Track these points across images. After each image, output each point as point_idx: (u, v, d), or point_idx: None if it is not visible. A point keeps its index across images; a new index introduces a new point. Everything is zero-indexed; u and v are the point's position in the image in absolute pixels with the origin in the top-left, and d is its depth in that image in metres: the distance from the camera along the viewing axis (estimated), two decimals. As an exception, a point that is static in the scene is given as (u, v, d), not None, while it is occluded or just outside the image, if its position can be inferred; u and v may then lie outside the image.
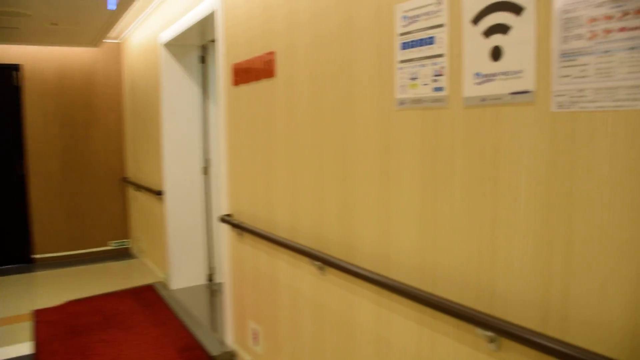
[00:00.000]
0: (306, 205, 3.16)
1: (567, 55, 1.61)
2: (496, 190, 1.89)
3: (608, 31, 1.49)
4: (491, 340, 1.87)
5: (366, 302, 2.64)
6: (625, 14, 1.44)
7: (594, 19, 1.52)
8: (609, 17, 1.48)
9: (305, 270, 3.22)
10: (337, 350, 2.94)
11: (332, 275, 2.93)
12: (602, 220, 1.55)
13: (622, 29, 1.45)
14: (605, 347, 1.56)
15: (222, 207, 4.47)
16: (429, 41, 2.15)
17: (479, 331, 1.90)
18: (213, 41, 5.87)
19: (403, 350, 2.39)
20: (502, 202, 1.88)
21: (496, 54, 1.84)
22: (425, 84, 2.19)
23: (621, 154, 1.49)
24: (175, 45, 5.97)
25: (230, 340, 4.48)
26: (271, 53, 3.48)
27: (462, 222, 2.05)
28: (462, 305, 1.98)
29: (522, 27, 1.73)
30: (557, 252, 1.70)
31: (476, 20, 1.91)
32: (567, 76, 1.62)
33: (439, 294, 2.16)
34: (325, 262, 2.81)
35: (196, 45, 6.18)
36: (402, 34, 2.31)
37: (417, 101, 2.24)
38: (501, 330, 1.78)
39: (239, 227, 3.91)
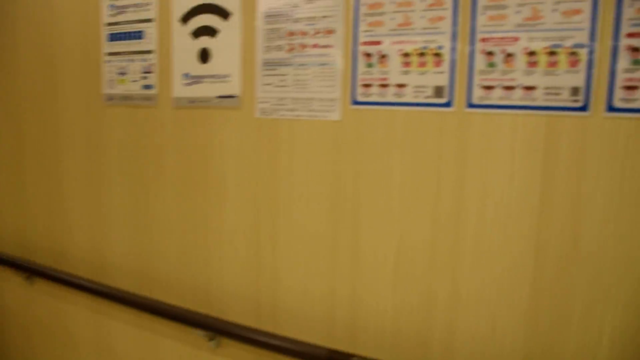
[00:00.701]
0: (8, 207, 2.60)
1: (269, 65, 1.68)
2: (207, 190, 1.86)
3: (304, 46, 1.61)
4: (210, 339, 1.84)
5: (83, 311, 2.32)
6: (318, 32, 1.58)
7: (292, 33, 1.62)
8: (304, 33, 1.61)
9: (10, 282, 2.65)
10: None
11: (43, 285, 2.48)
12: (300, 216, 1.66)
13: (315, 46, 1.59)
14: (308, 335, 1.67)
15: None
16: (138, 35, 2.00)
17: (198, 331, 1.85)
18: None
19: (127, 356, 2.18)
20: (212, 203, 1.85)
21: (204, 56, 1.82)
22: (135, 81, 2.03)
23: (316, 159, 1.62)
24: None
25: None
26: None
27: (176, 224, 1.96)
28: (177, 307, 1.91)
29: (229, 32, 1.75)
30: (265, 250, 1.76)
31: (185, 19, 1.85)
32: (269, 84, 1.69)
33: (157, 297, 2.03)
34: (33, 272, 2.38)
35: None
36: (109, 24, 2.10)
37: (126, 98, 2.06)
38: (217, 329, 1.78)
39: None
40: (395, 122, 1.49)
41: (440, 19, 1.42)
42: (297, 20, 1.61)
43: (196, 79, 1.84)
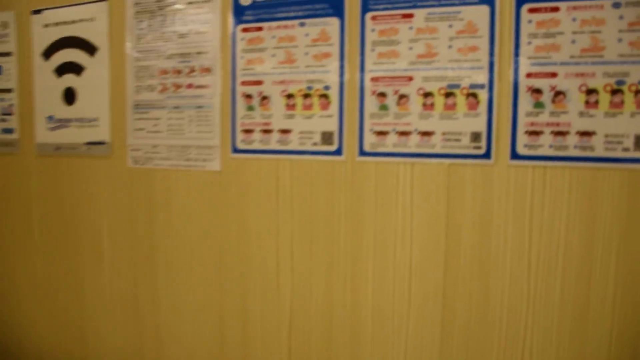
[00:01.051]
0: None
1: (140, 107, 1.45)
2: (80, 250, 1.58)
3: (178, 86, 1.38)
4: None
5: None
6: (192, 70, 1.36)
7: (164, 71, 1.40)
8: (177, 72, 1.38)
9: None
10: None
11: None
12: (183, 279, 1.41)
13: (190, 86, 1.37)
14: None
15: None
16: (-3, 72, 1.72)
17: None
18: None
19: None
20: (86, 264, 1.58)
21: (70, 96, 1.56)
22: (-6, 124, 1.73)
23: (197, 214, 1.38)
24: None
25: None
26: None
27: (46, 288, 1.67)
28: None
29: (96, 70, 1.50)
30: (147, 319, 1.48)
31: (47, 54, 1.59)
32: (142, 129, 1.45)
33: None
34: None
35: None
36: (-34, 59, 1.79)
37: (-15, 144, 1.75)
38: None
39: None
40: (281, 173, 1.29)
41: (326, 55, 1.23)
42: (169, 57, 1.38)
43: (62, 123, 1.57)
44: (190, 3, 1.35)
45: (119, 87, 1.47)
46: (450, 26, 1.13)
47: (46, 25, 1.57)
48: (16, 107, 1.67)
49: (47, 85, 1.59)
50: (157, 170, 1.44)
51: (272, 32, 1.28)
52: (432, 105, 1.16)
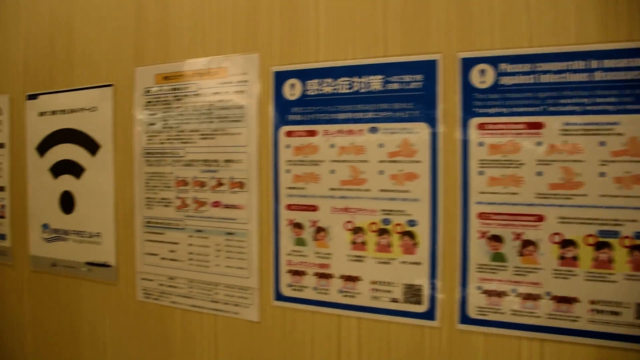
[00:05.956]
0: None
1: (153, 226, 1.10)
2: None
3: (201, 202, 1.03)
4: None
5: None
6: (220, 183, 1.00)
7: (184, 182, 1.04)
8: (201, 184, 1.03)
9: None
10: None
11: None
12: None
13: (217, 204, 1.01)
14: None
15: None
16: (-12, 163, 1.40)
17: None
18: None
19: None
20: None
21: (67, 202, 1.23)
22: (-15, 225, 1.42)
23: None
24: None
25: None
26: None
27: None
28: None
29: (98, 173, 1.17)
30: None
31: (42, 148, 1.27)
32: (155, 255, 1.10)
33: None
34: None
35: None
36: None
37: (-24, 247, 1.44)
38: None
39: None
40: (344, 335, 0.92)
41: (411, 177, 0.86)
42: (189, 164, 1.03)
43: (59, 234, 1.24)
44: (216, 93, 0.99)
45: (126, 197, 1.13)
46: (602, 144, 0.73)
47: (42, 114, 1.25)
48: (8, 209, 1.34)
49: (42, 186, 1.26)
50: (174, 310, 1.08)
51: (330, 138, 0.91)
52: (574, 259, 0.76)
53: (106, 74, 1.16)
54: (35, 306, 1.33)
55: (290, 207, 0.95)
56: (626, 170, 0.74)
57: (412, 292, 0.86)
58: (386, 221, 0.88)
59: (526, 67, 0.78)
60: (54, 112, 1.23)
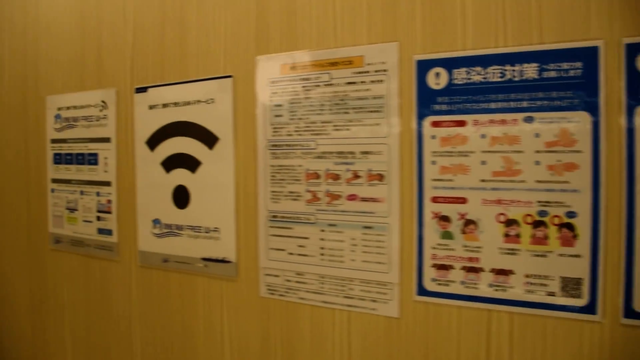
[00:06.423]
0: None
1: (279, 220, 1.09)
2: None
3: (335, 196, 1.01)
4: None
5: None
6: (356, 175, 0.98)
7: (315, 174, 1.03)
8: (335, 177, 1.00)
9: None
10: None
11: None
12: None
13: (353, 197, 0.98)
14: None
15: None
16: (92, 160, 1.41)
17: None
18: None
19: None
20: None
21: (181, 197, 1.22)
22: (88, 221, 1.43)
23: None
24: None
25: None
26: None
27: None
28: None
29: (217, 167, 1.16)
30: None
31: (153, 142, 1.26)
32: (281, 250, 1.09)
33: None
34: None
35: None
36: (54, 142, 1.51)
37: (77, 243, 1.45)
38: None
39: None
40: (494, 330, 0.89)
41: (570, 167, 0.82)
42: (321, 156, 1.01)
43: (171, 230, 1.24)
44: (351, 83, 0.97)
45: (247, 192, 1.11)
46: None
47: (152, 107, 1.25)
48: (114, 204, 1.35)
49: (153, 181, 1.26)
50: (302, 307, 1.06)
51: (481, 128, 0.88)
52: None
53: (224, 64, 1.15)
54: (142, 301, 1.33)
55: (435, 199, 0.92)
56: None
57: (571, 286, 0.83)
58: (542, 213, 0.84)
59: None
60: (165, 105, 1.23)
